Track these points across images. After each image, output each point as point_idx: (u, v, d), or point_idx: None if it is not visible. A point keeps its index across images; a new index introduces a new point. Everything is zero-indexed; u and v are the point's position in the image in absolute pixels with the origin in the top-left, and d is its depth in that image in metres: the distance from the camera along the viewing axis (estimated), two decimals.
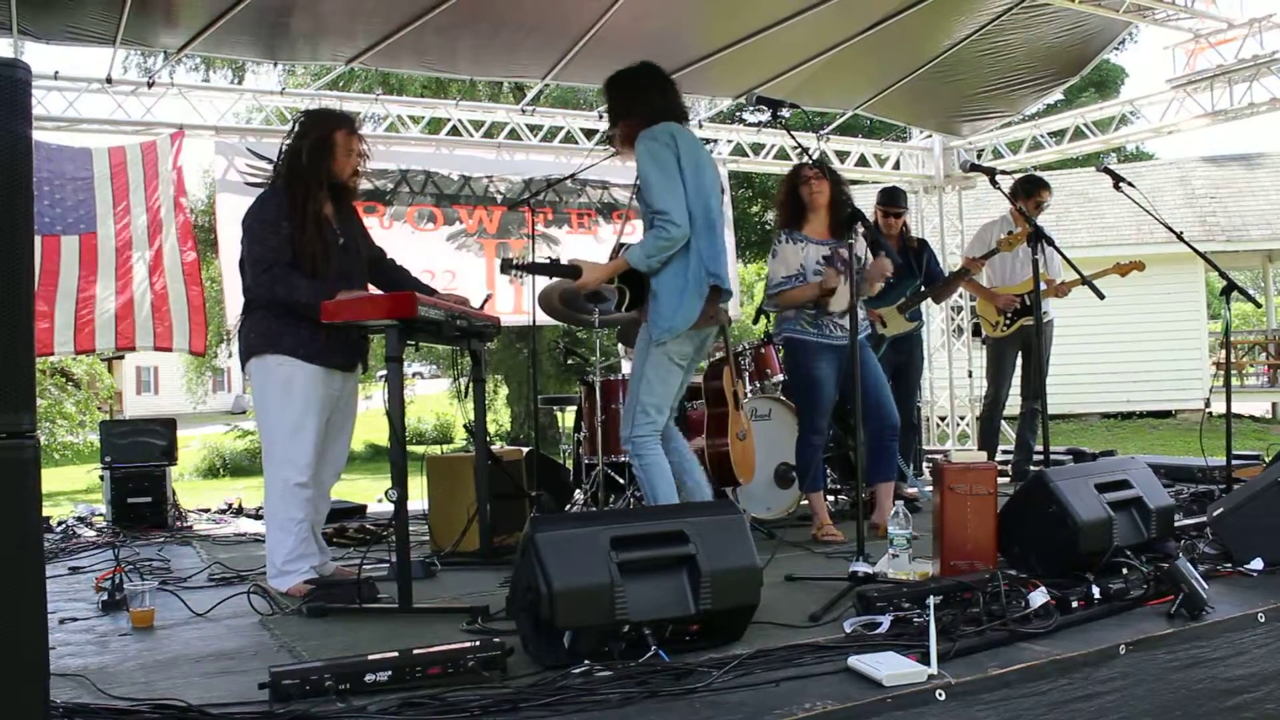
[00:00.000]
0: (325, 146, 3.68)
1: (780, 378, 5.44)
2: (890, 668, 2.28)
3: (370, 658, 2.33)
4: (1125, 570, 3.07)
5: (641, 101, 3.67)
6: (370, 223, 6.89)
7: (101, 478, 5.94)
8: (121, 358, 25.85)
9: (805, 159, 4.41)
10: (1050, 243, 4.49)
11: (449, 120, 7.57)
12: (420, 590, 3.43)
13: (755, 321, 5.98)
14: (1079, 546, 3.12)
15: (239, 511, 6.60)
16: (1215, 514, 3.62)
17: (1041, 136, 8.53)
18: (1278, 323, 17.46)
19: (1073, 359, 12.22)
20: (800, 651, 2.52)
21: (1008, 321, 6.15)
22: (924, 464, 6.67)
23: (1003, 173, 4.97)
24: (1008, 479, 6.14)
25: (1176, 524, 3.70)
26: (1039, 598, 2.76)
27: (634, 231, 4.14)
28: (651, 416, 3.61)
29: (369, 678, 2.29)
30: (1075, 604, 2.83)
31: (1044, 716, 2.35)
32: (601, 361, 4.91)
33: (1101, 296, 4.61)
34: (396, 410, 3.28)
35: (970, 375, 9.08)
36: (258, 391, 3.69)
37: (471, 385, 4.19)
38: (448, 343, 3.91)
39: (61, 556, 4.77)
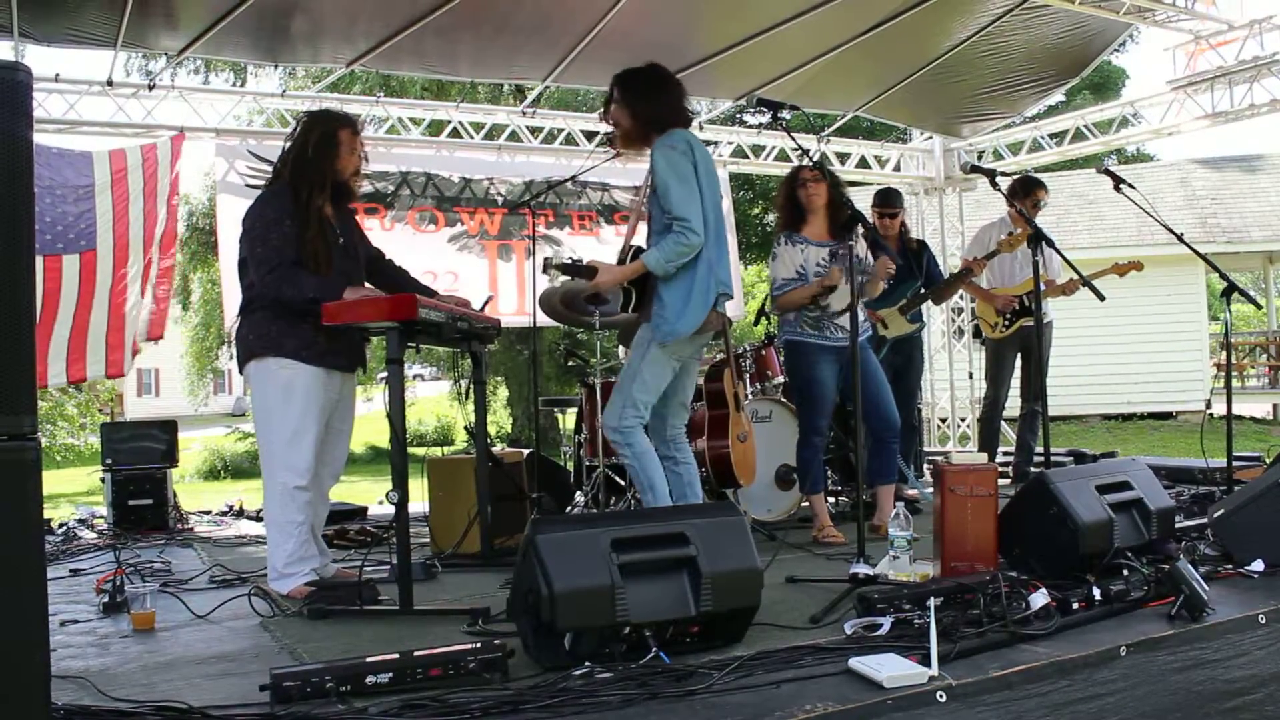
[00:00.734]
0: (330, 143, 3.67)
1: (780, 379, 5.45)
2: (891, 669, 2.28)
3: (371, 659, 2.33)
4: (1126, 572, 3.06)
5: (656, 100, 3.67)
6: (372, 224, 6.92)
7: (102, 480, 5.93)
8: None
9: (805, 161, 4.42)
10: (1050, 244, 4.50)
11: (449, 122, 7.58)
12: (421, 592, 3.43)
13: (755, 323, 5.98)
14: (1080, 548, 3.12)
15: (240, 513, 6.61)
16: (1216, 515, 3.62)
17: (1042, 138, 8.54)
18: (1278, 324, 17.44)
19: (1073, 360, 12.20)
20: (801, 653, 2.52)
21: (1007, 323, 6.15)
22: (925, 465, 6.66)
23: (1003, 174, 4.97)
24: (1008, 480, 6.14)
25: (1177, 525, 3.69)
26: (1040, 599, 2.76)
27: (638, 234, 4.13)
28: (640, 411, 3.66)
29: (370, 679, 2.29)
30: (1076, 605, 2.83)
31: (1045, 718, 2.35)
32: (602, 363, 4.90)
33: (1102, 298, 4.61)
34: (397, 412, 3.28)
35: (970, 376, 9.08)
36: (257, 395, 3.66)
37: (472, 387, 4.20)
38: (448, 344, 3.91)
39: (62, 558, 4.78)
